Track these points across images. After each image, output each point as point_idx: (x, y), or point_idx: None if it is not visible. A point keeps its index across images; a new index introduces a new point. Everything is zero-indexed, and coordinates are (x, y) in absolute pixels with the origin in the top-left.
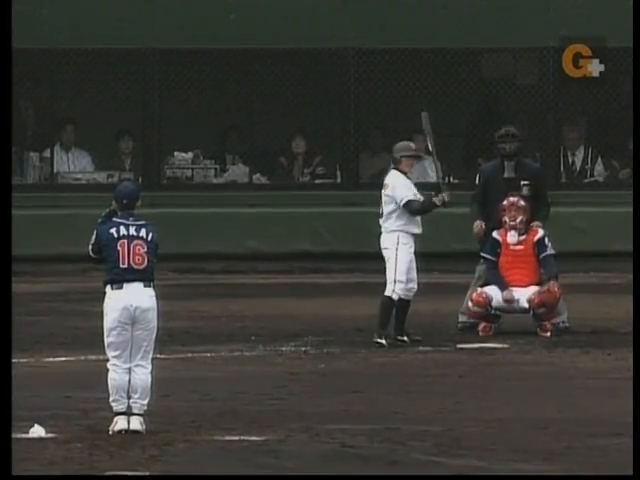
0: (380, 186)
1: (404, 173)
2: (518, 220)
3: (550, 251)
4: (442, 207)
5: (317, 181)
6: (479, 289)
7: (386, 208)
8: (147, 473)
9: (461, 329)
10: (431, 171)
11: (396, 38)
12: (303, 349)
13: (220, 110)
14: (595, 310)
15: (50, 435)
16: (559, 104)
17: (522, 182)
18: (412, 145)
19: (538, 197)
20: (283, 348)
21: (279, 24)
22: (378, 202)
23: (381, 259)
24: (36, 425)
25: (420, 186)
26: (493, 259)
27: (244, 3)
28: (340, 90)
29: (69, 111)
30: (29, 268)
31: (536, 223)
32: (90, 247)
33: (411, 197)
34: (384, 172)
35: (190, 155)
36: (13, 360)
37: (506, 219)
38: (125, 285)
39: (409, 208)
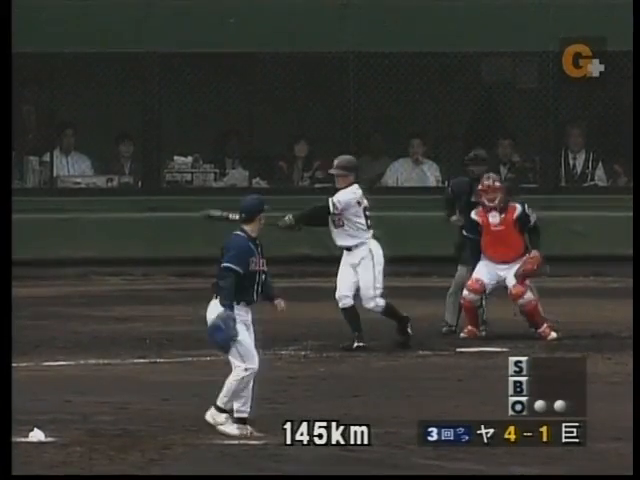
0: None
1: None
2: (497, 201)
3: (533, 219)
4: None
5: (317, 185)
6: (474, 277)
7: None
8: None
9: (446, 333)
10: (430, 175)
11: (396, 42)
12: (303, 353)
13: (220, 114)
14: (595, 314)
15: (50, 439)
16: (559, 108)
17: None
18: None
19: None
20: (283, 352)
21: (278, 28)
22: (378, 206)
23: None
24: (36, 429)
25: (419, 190)
26: (476, 238)
27: (244, 7)
28: (340, 94)
29: (69, 115)
30: (29, 272)
31: (533, 252)
32: None
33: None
34: (383, 176)
35: (190, 159)
36: (13, 364)
37: (485, 201)
38: None
39: None
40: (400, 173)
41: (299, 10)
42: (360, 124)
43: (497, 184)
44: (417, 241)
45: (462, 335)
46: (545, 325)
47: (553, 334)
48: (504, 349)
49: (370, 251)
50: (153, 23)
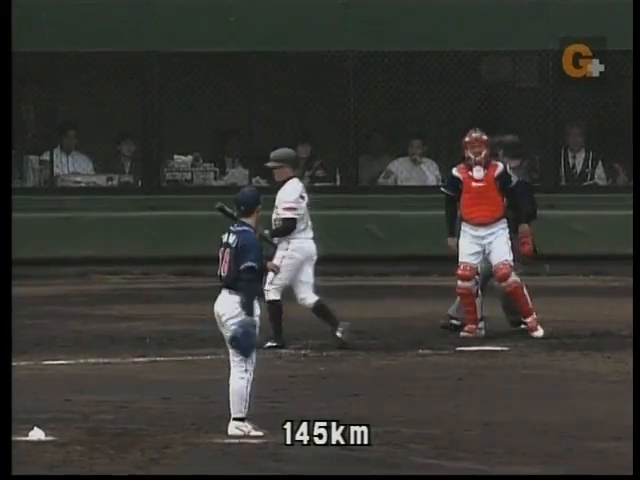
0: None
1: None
2: (483, 155)
3: (514, 180)
4: None
5: (317, 184)
6: (460, 263)
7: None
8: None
9: (442, 326)
10: (430, 174)
11: (396, 41)
12: (303, 352)
13: (219, 113)
14: (595, 313)
15: (50, 438)
16: (559, 107)
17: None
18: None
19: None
20: (282, 351)
21: (278, 27)
22: (378, 205)
23: (379, 262)
24: (36, 428)
25: (418, 189)
26: (453, 194)
27: (244, 6)
28: (340, 93)
29: (69, 114)
30: (29, 271)
31: (521, 228)
32: None
33: None
34: (382, 175)
35: (190, 158)
36: (13, 363)
37: (470, 155)
38: (220, 293)
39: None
40: (400, 172)
41: (299, 10)
42: (360, 124)
43: (484, 137)
44: (417, 240)
45: (462, 334)
46: (532, 317)
47: (539, 331)
48: (504, 348)
49: (286, 249)
50: (153, 23)
